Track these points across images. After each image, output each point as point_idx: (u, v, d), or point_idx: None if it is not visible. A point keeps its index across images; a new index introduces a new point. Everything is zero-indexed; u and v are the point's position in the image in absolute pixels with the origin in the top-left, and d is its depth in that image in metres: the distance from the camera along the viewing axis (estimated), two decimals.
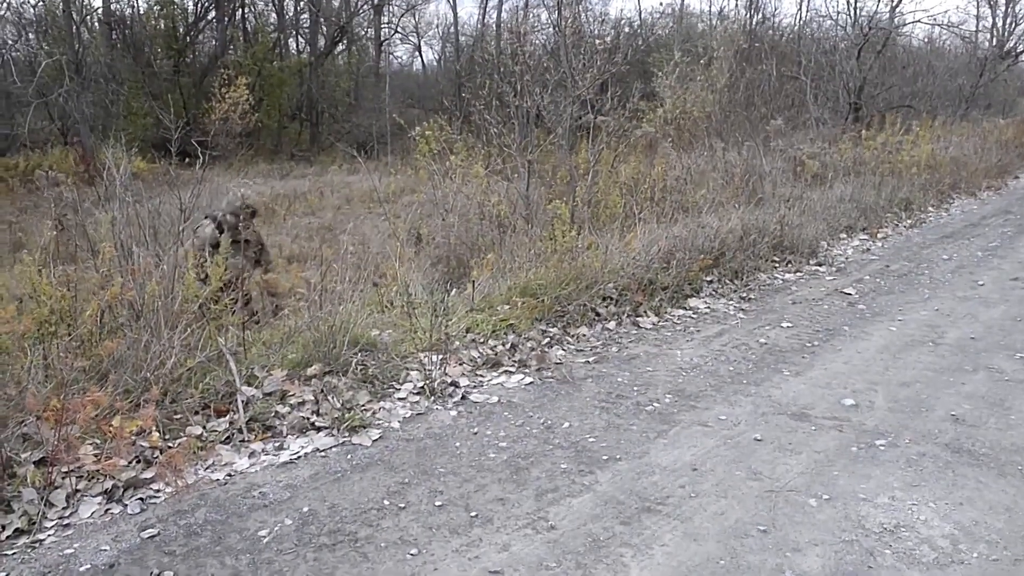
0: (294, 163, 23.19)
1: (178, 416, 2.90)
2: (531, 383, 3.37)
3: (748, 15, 25.21)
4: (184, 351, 3.12)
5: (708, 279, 4.92)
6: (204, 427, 2.85)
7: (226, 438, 2.83)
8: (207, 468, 2.66)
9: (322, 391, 3.11)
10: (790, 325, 4.23)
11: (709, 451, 2.70)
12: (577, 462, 2.63)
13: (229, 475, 2.61)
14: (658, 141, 9.82)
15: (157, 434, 2.73)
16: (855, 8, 18.37)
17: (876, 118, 14.26)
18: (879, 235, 6.88)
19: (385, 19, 32.32)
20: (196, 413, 2.93)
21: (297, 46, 30.87)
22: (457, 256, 5.18)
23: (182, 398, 2.96)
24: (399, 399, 3.18)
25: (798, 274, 5.41)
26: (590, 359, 3.68)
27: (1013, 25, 25.35)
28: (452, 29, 30.77)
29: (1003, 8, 24.06)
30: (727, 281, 4.99)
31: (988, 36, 24.75)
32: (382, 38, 32.62)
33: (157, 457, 2.64)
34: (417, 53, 32.80)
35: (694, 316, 4.40)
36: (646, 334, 4.08)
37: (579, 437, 2.82)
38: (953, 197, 9.16)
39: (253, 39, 28.71)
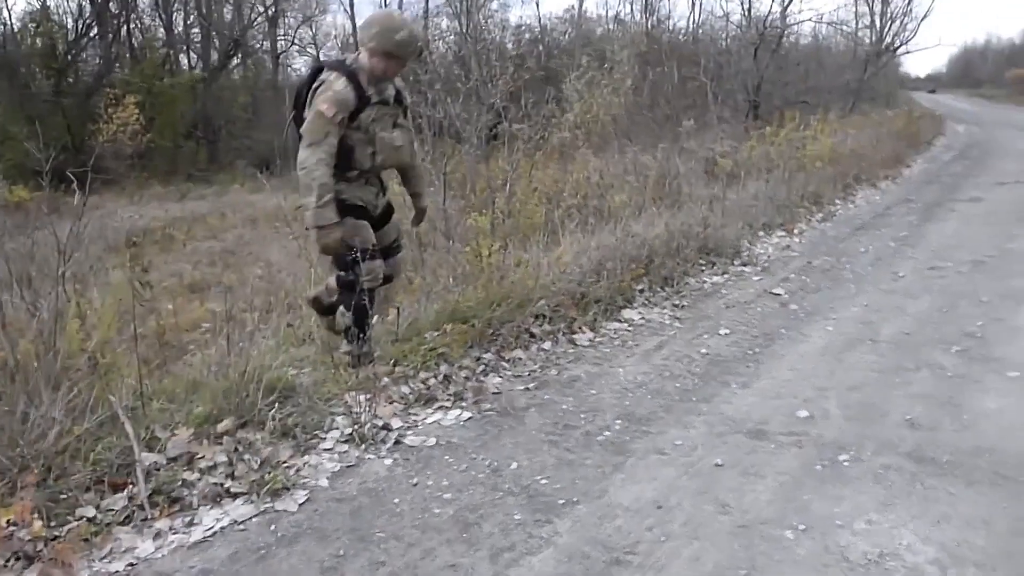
0: (192, 184, 22.09)
1: (65, 497, 2.48)
2: (470, 418, 3.10)
3: (644, 18, 25.73)
4: (69, 417, 2.70)
5: (639, 288, 4.77)
6: (98, 507, 2.45)
7: (125, 518, 2.43)
8: (103, 558, 2.27)
9: (236, 450, 2.75)
10: (728, 332, 4.12)
11: (671, 484, 2.51)
12: (532, 510, 2.38)
13: (131, 564, 2.23)
14: (573, 146, 9.74)
15: (40, 522, 2.32)
16: (748, 8, 18.95)
17: (775, 115, 14.71)
18: (795, 231, 6.95)
19: (281, 31, 31.32)
20: (88, 490, 2.52)
21: (189, 62, 29.48)
22: None
23: (69, 474, 2.55)
24: (325, 450, 2.85)
25: (725, 276, 5.34)
26: (530, 385, 3.44)
27: (890, 22, 26.75)
28: (351, 40, 30.09)
29: (880, 6, 25.38)
30: (658, 288, 4.85)
31: (868, 33, 26.06)
32: (279, 51, 31.58)
33: (41, 551, 2.24)
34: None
35: (630, 328, 4.24)
36: (584, 352, 3.87)
37: (530, 480, 2.57)
38: (856, 189, 9.42)
39: (141, 56, 27.23)
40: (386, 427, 3.00)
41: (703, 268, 5.41)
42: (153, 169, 22.70)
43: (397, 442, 2.90)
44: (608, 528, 2.26)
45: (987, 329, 4.03)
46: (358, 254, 3.18)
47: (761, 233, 6.69)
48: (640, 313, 4.47)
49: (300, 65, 32.11)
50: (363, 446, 2.87)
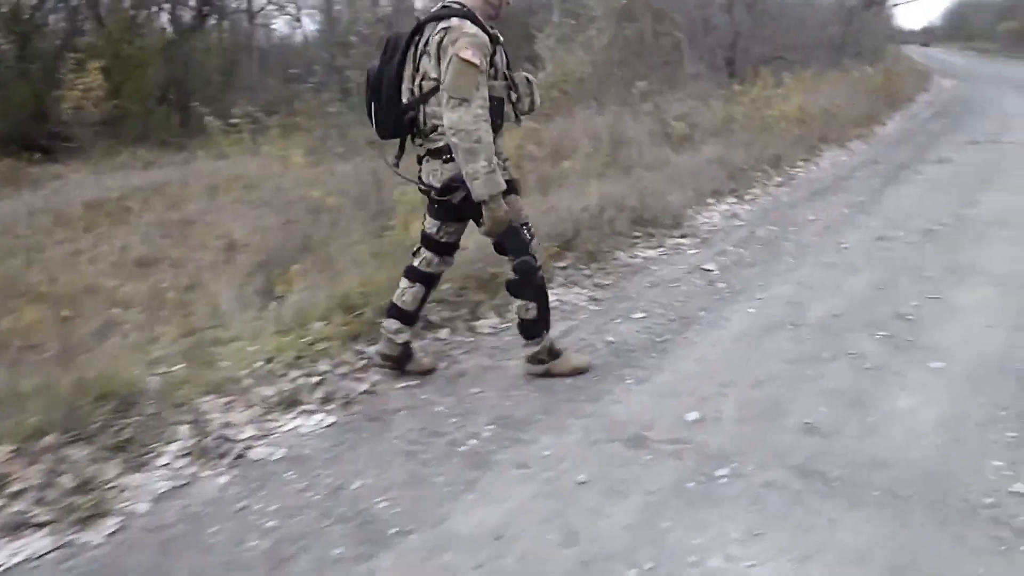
0: (161, 151, 21.50)
1: None
2: (332, 424, 2.82)
3: None
4: None
5: (561, 265, 4.46)
6: None
7: None
8: None
9: (52, 471, 2.47)
10: (643, 315, 3.82)
11: (522, 506, 2.23)
12: (358, 541, 2.10)
13: None
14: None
15: None
16: None
17: (751, 72, 14.21)
18: (747, 197, 6.61)
19: None
20: None
21: (159, 23, 28.48)
22: (280, 262, 4.54)
23: None
24: (160, 467, 2.56)
25: (660, 249, 5.02)
26: (411, 383, 3.15)
27: None
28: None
29: None
30: (582, 266, 4.54)
31: None
32: (255, 10, 30.56)
33: None
34: (298, 24, 31.09)
35: None
36: (483, 341, 3.58)
37: (369, 501, 2.29)
38: (823, 150, 9.04)
39: (107, 18, 26.30)
40: (231, 438, 2.71)
41: (637, 241, 5.09)
42: (123, 136, 22.06)
43: (240, 456, 2.62)
44: (433, 565, 1.99)
45: (922, 310, 3.75)
46: (529, 229, 2.94)
47: (710, 200, 6.34)
48: (557, 294, 4.15)
49: (278, 25, 31.24)
50: (203, 460, 2.59)
